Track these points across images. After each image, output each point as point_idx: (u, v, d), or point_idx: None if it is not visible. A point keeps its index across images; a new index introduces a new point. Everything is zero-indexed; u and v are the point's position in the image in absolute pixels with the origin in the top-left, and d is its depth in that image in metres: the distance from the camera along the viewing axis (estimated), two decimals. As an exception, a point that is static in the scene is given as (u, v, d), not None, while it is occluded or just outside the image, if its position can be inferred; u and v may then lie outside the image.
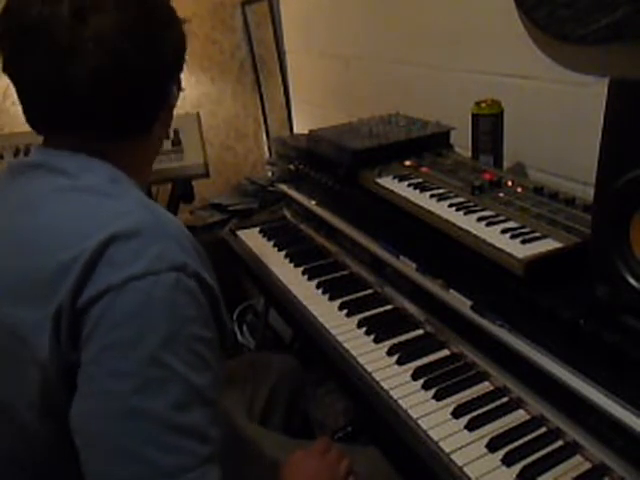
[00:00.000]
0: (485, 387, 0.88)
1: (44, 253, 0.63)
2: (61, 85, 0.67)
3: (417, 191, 1.08)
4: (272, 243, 1.40)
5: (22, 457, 0.67)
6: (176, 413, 0.59)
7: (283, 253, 1.34)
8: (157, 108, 0.76)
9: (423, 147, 1.26)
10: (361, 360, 0.95)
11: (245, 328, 2.13)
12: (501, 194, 1.03)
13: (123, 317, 0.59)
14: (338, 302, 1.11)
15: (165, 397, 0.58)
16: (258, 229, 1.49)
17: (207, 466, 0.60)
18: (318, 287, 1.18)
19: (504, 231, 0.90)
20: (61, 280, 0.60)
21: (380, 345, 0.98)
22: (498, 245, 0.86)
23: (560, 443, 0.77)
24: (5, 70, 0.71)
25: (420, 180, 1.12)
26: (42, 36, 0.66)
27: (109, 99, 0.69)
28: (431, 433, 0.79)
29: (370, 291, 1.16)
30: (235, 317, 2.16)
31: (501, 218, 0.94)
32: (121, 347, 0.59)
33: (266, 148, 2.54)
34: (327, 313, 1.09)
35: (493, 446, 0.76)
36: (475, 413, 0.82)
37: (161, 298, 0.60)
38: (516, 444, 0.77)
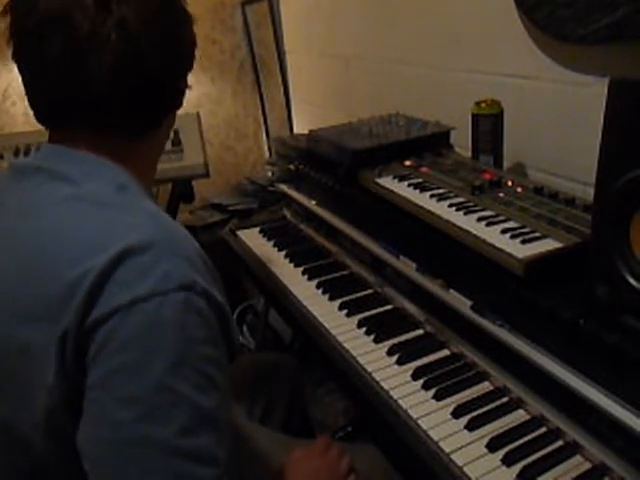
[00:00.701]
0: (485, 387, 0.88)
1: (50, 270, 0.61)
2: (79, 75, 0.65)
3: (417, 191, 1.08)
4: (272, 243, 1.40)
5: (26, 474, 0.66)
6: (183, 438, 0.57)
7: (283, 253, 1.34)
8: (169, 105, 0.75)
9: (423, 147, 1.26)
10: (361, 360, 0.95)
11: (245, 328, 2.13)
12: (501, 194, 1.03)
13: (129, 340, 0.57)
14: (338, 302, 1.11)
15: (172, 423, 0.57)
16: (258, 229, 1.49)
17: None
18: (318, 287, 1.18)
19: (504, 231, 0.90)
20: (68, 300, 0.58)
21: (380, 345, 0.98)
22: (498, 245, 0.86)
23: (560, 443, 0.77)
24: (16, 58, 0.68)
25: (420, 180, 1.12)
26: (63, 24, 0.63)
27: (125, 92, 0.67)
28: (431, 433, 0.79)
29: (370, 291, 1.16)
30: (235, 317, 2.16)
31: (501, 218, 0.94)
32: (127, 371, 0.57)
33: (266, 148, 2.54)
34: (327, 313, 1.09)
35: (493, 446, 0.76)
36: (475, 413, 0.82)
37: (169, 320, 0.58)
38: (516, 444, 0.77)
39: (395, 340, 0.99)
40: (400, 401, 0.85)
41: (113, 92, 0.66)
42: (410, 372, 0.91)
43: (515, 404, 0.84)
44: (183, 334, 0.58)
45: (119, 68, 0.65)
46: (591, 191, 0.76)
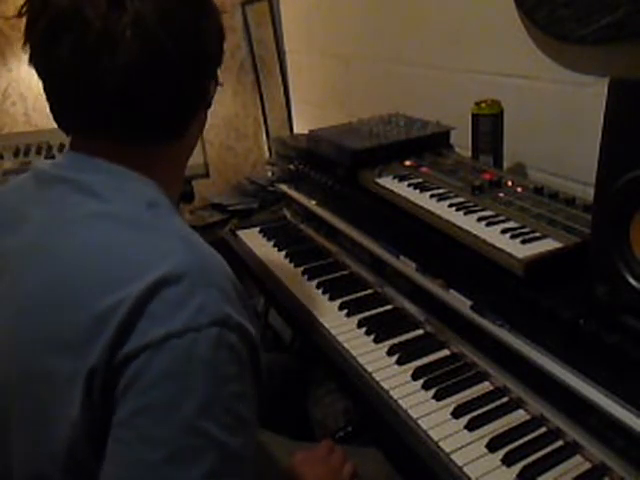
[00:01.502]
0: (485, 387, 0.88)
1: (80, 298, 0.58)
2: (94, 77, 0.61)
3: (417, 191, 1.08)
4: (272, 243, 1.40)
5: None
6: None
7: (283, 253, 1.34)
8: (195, 107, 0.71)
9: (423, 147, 1.26)
10: (361, 360, 0.95)
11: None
12: (501, 194, 1.03)
13: (160, 378, 0.54)
14: (338, 302, 1.11)
15: (199, 467, 0.54)
16: (258, 229, 1.49)
17: None
18: (318, 287, 1.18)
19: (504, 231, 0.90)
20: (99, 332, 0.55)
21: (380, 345, 0.98)
22: (498, 245, 0.86)
23: (560, 443, 0.77)
24: (32, 62, 0.65)
25: (420, 180, 1.12)
26: (76, 23, 0.60)
27: (144, 93, 0.63)
28: (431, 433, 0.79)
29: (370, 291, 1.16)
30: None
31: (501, 218, 0.94)
32: (156, 411, 0.54)
33: (266, 148, 2.54)
34: (327, 313, 1.09)
35: (493, 446, 0.76)
36: (475, 413, 0.82)
37: (201, 357, 0.55)
38: (516, 444, 0.77)
39: (395, 340, 0.99)
40: (400, 401, 0.85)
41: (129, 95, 0.63)
42: (410, 372, 0.91)
43: (515, 404, 0.84)
44: (214, 372, 0.56)
45: (136, 68, 0.61)
46: (591, 191, 0.76)
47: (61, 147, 1.73)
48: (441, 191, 1.06)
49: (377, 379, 0.90)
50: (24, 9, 0.64)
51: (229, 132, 2.45)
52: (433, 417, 0.82)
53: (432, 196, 1.05)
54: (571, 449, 0.75)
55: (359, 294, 1.14)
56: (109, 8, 0.60)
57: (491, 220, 0.93)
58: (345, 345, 0.99)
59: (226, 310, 0.58)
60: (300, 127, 2.33)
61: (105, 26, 0.60)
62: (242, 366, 0.59)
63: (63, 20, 0.61)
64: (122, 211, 0.63)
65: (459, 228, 0.93)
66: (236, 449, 0.57)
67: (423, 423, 0.81)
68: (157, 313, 0.55)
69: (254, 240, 1.44)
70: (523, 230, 0.90)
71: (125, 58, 0.61)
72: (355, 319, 1.06)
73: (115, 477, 0.56)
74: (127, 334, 0.55)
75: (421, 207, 1.02)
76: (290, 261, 1.30)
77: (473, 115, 1.22)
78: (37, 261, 0.63)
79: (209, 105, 0.74)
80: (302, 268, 1.26)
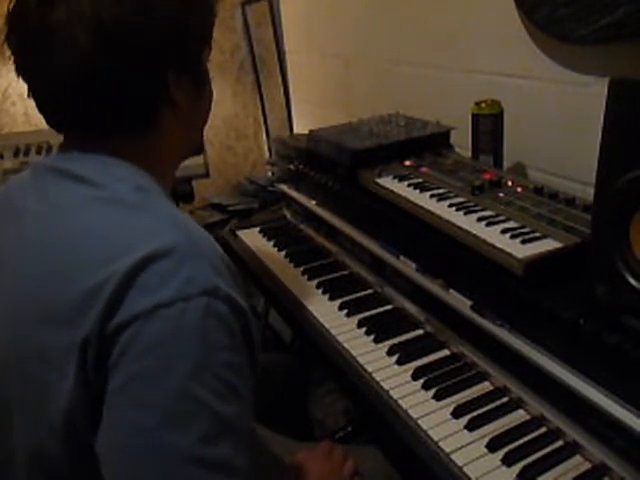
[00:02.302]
0: (485, 387, 0.88)
1: (71, 274, 0.60)
2: (48, 77, 0.65)
3: (417, 191, 1.08)
4: (272, 243, 1.40)
5: None
6: (203, 447, 0.56)
7: (283, 253, 1.34)
8: (153, 99, 0.69)
9: (423, 147, 1.26)
10: (361, 360, 0.95)
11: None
12: (501, 194, 1.03)
13: (151, 345, 0.56)
14: (338, 302, 1.11)
15: (192, 431, 0.56)
16: (258, 229, 1.49)
17: None
18: (318, 287, 1.18)
19: (504, 231, 0.90)
20: (89, 305, 0.57)
21: (380, 345, 0.98)
22: (498, 245, 0.86)
23: (560, 443, 0.77)
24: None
25: (420, 180, 1.12)
26: (19, 30, 0.65)
27: (95, 84, 0.64)
28: (431, 433, 0.79)
29: (370, 291, 1.16)
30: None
31: (501, 218, 0.94)
32: (148, 378, 0.56)
33: (266, 148, 2.54)
34: (327, 313, 1.09)
35: (493, 446, 0.76)
36: (475, 413, 0.82)
37: (191, 325, 0.57)
38: (516, 444, 0.77)
39: (395, 340, 0.99)
40: (400, 401, 0.85)
41: (83, 85, 0.64)
42: (410, 372, 0.91)
43: (515, 404, 0.84)
44: (204, 340, 0.57)
45: (83, 60, 0.63)
46: (591, 191, 0.76)
47: (61, 147, 1.73)
48: (441, 191, 1.06)
49: (377, 379, 0.90)
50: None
51: (229, 132, 2.45)
52: (433, 417, 0.82)
53: (432, 196, 1.05)
54: (571, 449, 0.75)
55: (359, 294, 1.15)
56: (40, 10, 0.63)
57: (491, 220, 0.93)
58: (345, 345, 0.99)
59: (215, 282, 0.59)
60: (300, 127, 2.33)
61: (41, 28, 0.63)
62: (233, 337, 0.60)
63: (15, 31, 0.66)
64: (112, 194, 0.65)
65: (459, 228, 0.93)
66: (230, 417, 0.58)
67: (423, 423, 0.81)
68: (146, 285, 0.57)
69: (254, 240, 1.44)
70: (523, 230, 0.90)
71: (68, 52, 0.62)
72: (355, 319, 1.06)
73: (110, 443, 0.57)
74: (117, 305, 0.57)
75: (421, 207, 1.02)
76: (290, 261, 1.30)
77: (473, 115, 1.22)
78: (34, 247, 0.65)
79: (198, 90, 0.74)
80: (302, 268, 1.26)
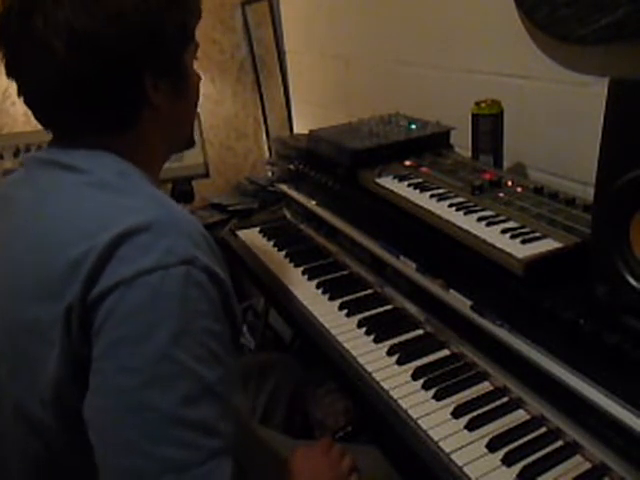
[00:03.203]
0: (485, 387, 0.88)
1: (56, 249, 0.64)
2: (30, 80, 0.70)
3: (417, 191, 1.08)
4: (272, 243, 1.40)
5: (38, 454, 0.68)
6: (184, 408, 0.59)
7: (283, 253, 1.34)
8: (132, 99, 0.72)
9: (423, 147, 1.26)
10: (361, 360, 0.95)
11: (245, 328, 2.13)
12: (501, 194, 1.03)
13: (132, 311, 0.59)
14: (338, 302, 1.11)
15: (174, 392, 0.58)
16: (258, 229, 1.49)
17: (217, 460, 0.60)
18: (318, 287, 1.18)
19: (504, 231, 0.90)
20: (72, 276, 0.61)
21: (380, 345, 0.98)
22: (498, 245, 0.86)
23: (560, 443, 0.77)
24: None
25: (420, 180, 1.12)
26: (4, 35, 0.69)
27: (70, 89, 0.68)
28: (431, 433, 0.79)
29: (370, 291, 1.16)
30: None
31: (501, 218, 0.94)
32: (130, 342, 0.59)
33: (266, 148, 2.54)
34: (327, 313, 1.09)
35: (493, 446, 0.76)
36: (475, 413, 0.82)
37: (171, 292, 0.60)
38: (516, 444, 0.77)
39: (395, 340, 0.99)
40: (400, 401, 0.85)
41: (57, 90, 0.68)
42: (410, 372, 0.91)
43: (515, 404, 0.84)
44: (184, 306, 0.60)
45: (54, 66, 0.66)
46: (591, 191, 0.76)
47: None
48: (441, 191, 1.06)
49: (377, 379, 0.90)
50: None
51: (229, 132, 2.45)
52: (433, 417, 0.82)
53: (432, 196, 1.05)
54: (571, 449, 0.75)
55: (359, 294, 1.14)
56: (20, 21, 0.67)
57: (491, 220, 0.93)
58: (345, 345, 0.99)
59: (194, 253, 0.62)
60: (300, 127, 2.33)
61: (21, 31, 0.67)
62: (212, 305, 0.63)
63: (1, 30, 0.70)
64: (97, 179, 0.68)
65: (459, 228, 0.93)
66: (211, 381, 0.61)
67: (423, 423, 0.81)
68: (126, 256, 0.61)
69: (254, 240, 1.44)
70: (523, 230, 0.90)
71: (40, 64, 0.67)
72: (355, 319, 1.06)
73: (95, 407, 0.60)
74: (98, 275, 0.60)
75: (421, 207, 1.02)
76: (290, 261, 1.30)
77: (473, 115, 1.22)
78: (22, 230, 0.70)
79: (174, 84, 0.76)
80: (302, 268, 1.26)
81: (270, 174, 2.26)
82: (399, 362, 0.94)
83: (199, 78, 0.83)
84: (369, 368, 0.93)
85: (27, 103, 0.72)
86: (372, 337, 1.00)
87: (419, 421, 0.81)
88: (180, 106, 0.79)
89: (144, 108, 0.73)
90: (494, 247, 0.86)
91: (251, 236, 1.46)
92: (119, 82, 0.70)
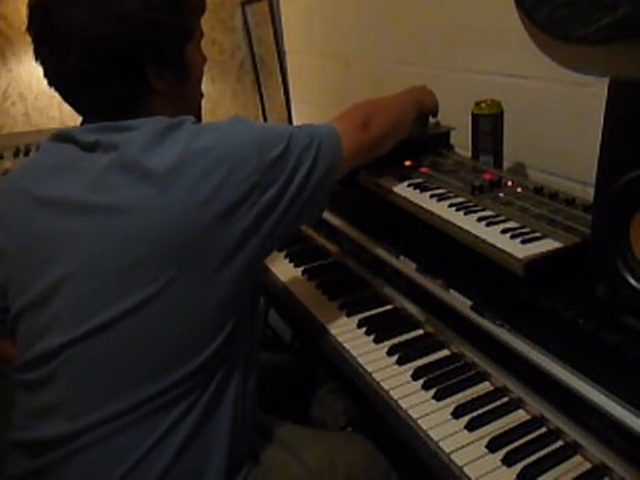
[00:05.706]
0: (485, 387, 0.88)
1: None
2: (61, 63, 0.77)
3: (417, 191, 1.08)
4: (272, 243, 1.39)
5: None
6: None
7: (283, 253, 1.34)
8: (137, 87, 0.80)
9: (423, 147, 1.26)
10: (361, 360, 0.95)
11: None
12: (501, 194, 1.03)
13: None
14: (338, 302, 1.11)
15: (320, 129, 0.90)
16: (258, 229, 1.48)
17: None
18: (318, 287, 1.18)
19: (504, 231, 0.90)
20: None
21: (380, 345, 0.98)
22: (498, 245, 0.86)
23: (560, 443, 0.77)
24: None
25: (420, 180, 1.12)
26: (32, 24, 0.79)
27: (81, 78, 0.77)
28: (431, 433, 0.79)
29: (370, 291, 1.16)
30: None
31: (501, 218, 0.94)
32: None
33: (266, 148, 2.53)
34: (327, 313, 1.09)
35: (493, 446, 0.76)
36: (475, 413, 0.82)
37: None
38: (516, 444, 0.77)
39: (395, 340, 0.99)
40: (400, 401, 0.85)
41: (70, 78, 0.78)
42: (410, 372, 0.91)
43: (515, 404, 0.84)
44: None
45: (69, 59, 0.75)
46: (591, 191, 0.76)
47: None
48: (441, 191, 1.06)
49: (377, 379, 0.90)
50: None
51: (229, 132, 2.45)
52: (433, 417, 0.82)
53: (432, 196, 1.05)
54: (571, 449, 0.75)
55: (359, 294, 1.14)
56: (40, 20, 0.77)
57: (491, 220, 0.93)
58: (345, 345, 0.99)
59: None
60: (300, 127, 2.32)
61: (44, 24, 0.77)
62: None
63: (30, 19, 0.80)
64: (145, 137, 0.76)
65: (459, 228, 0.93)
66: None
67: (423, 423, 0.81)
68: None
69: (254, 240, 1.43)
70: (523, 230, 0.90)
71: (56, 55, 0.77)
72: (355, 319, 1.06)
73: None
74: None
75: (421, 207, 1.02)
76: (290, 261, 1.30)
77: (473, 115, 1.22)
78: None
79: (156, 89, 0.82)
80: (302, 268, 1.26)
81: (270, 174, 2.26)
82: (399, 362, 0.94)
83: (204, 60, 0.92)
84: (369, 368, 0.93)
85: (50, 85, 0.81)
86: (372, 337, 1.00)
87: (419, 421, 0.81)
88: (184, 89, 0.87)
89: (149, 93, 0.81)
90: (494, 247, 0.86)
91: (251, 236, 1.46)
92: (123, 74, 0.78)
